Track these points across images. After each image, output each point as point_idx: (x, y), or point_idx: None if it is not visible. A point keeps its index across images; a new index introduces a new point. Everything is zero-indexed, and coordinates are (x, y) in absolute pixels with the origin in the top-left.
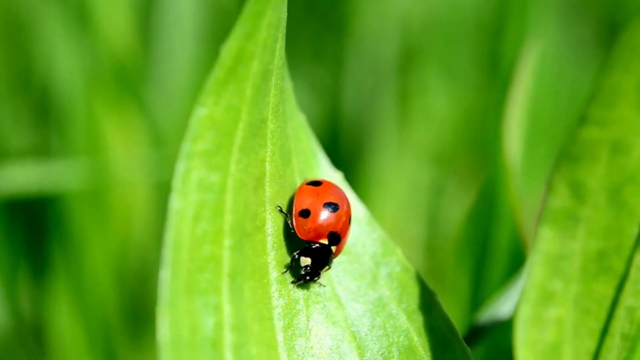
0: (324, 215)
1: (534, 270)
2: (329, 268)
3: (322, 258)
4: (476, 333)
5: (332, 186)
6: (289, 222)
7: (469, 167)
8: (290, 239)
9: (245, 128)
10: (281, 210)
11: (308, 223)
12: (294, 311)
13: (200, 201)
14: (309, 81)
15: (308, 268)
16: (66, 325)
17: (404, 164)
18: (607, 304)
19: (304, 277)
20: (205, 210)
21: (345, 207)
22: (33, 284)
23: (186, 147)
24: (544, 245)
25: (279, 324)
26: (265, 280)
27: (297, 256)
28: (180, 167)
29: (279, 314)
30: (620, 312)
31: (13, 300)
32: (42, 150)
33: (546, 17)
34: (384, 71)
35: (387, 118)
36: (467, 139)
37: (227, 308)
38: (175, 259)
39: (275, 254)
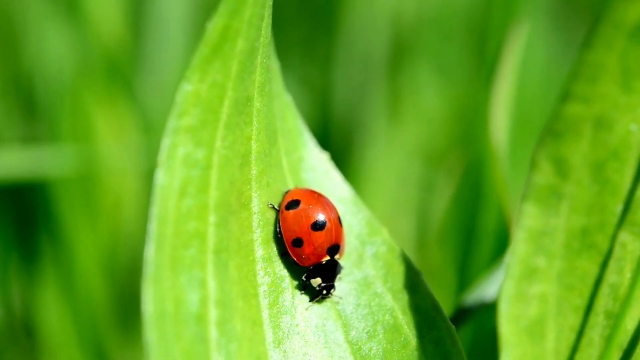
0: (316, 237)
1: (518, 247)
2: (340, 274)
3: (331, 271)
4: (462, 314)
5: (310, 199)
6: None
7: (458, 163)
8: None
9: (231, 105)
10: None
11: (304, 251)
12: (280, 289)
13: (185, 177)
14: (300, 77)
15: (321, 285)
16: (56, 317)
17: (394, 159)
18: (590, 281)
19: (321, 294)
20: (190, 185)
21: (332, 214)
22: (23, 274)
23: (172, 122)
24: (528, 221)
25: (264, 302)
26: (251, 258)
27: (306, 280)
28: (166, 142)
29: (265, 291)
30: (604, 290)
31: (3, 291)
32: (32, 140)
33: (535, 14)
34: (374, 67)
35: (378, 114)
36: (457, 135)
37: (211, 284)
38: (160, 234)
39: (260, 232)
